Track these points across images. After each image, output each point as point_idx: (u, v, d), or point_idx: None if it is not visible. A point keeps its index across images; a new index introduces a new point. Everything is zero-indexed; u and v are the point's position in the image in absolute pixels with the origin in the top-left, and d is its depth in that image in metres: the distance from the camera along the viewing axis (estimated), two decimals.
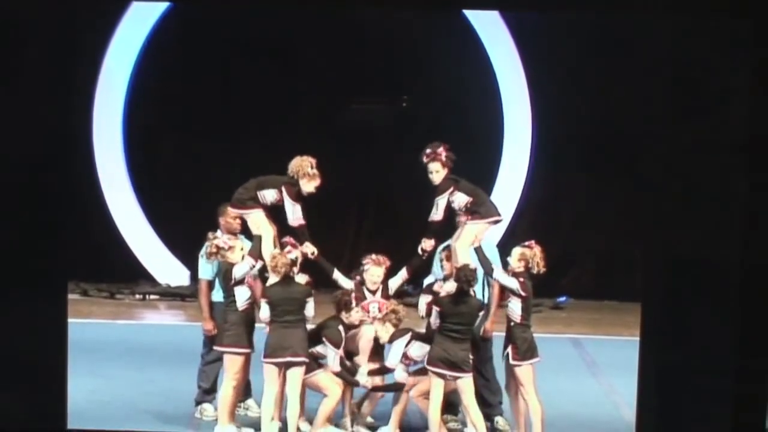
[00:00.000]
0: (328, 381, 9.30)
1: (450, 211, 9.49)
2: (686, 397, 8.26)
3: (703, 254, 8.20)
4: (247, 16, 14.50)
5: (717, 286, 8.16)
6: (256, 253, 9.37)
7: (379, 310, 9.44)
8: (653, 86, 8.43)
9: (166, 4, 14.97)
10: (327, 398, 9.30)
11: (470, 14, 14.81)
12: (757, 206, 8.04)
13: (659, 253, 8.41)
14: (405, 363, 9.32)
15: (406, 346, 9.29)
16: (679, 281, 8.24)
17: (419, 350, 9.30)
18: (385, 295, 9.60)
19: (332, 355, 9.28)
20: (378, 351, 9.58)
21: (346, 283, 9.63)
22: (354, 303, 9.41)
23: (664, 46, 8.18)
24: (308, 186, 9.51)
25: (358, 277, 9.67)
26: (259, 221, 9.50)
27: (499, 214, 9.54)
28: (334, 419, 9.50)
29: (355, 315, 9.41)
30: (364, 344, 9.56)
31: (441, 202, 9.42)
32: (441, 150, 9.43)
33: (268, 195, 9.52)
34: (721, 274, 8.16)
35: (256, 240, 9.44)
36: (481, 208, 9.43)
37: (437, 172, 9.41)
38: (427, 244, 9.55)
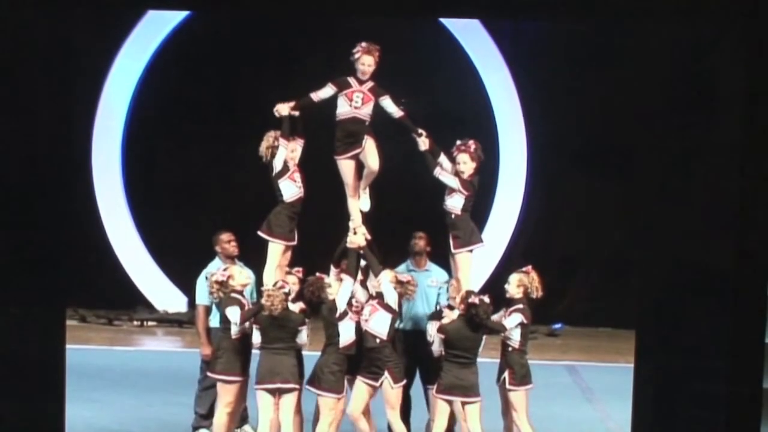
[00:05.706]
0: (327, 404, 9.12)
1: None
2: (681, 424, 8.28)
3: (699, 278, 8.23)
4: (246, 36, 14.54)
5: (712, 313, 8.20)
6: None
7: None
8: (649, 94, 8.45)
9: (165, 32, 15.05)
10: (320, 422, 9.13)
11: (460, 32, 14.84)
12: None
13: (654, 280, 8.45)
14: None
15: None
16: (674, 309, 8.29)
17: (362, 295, 9.22)
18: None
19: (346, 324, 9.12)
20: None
21: None
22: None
23: (660, 49, 8.21)
24: (293, 151, 9.36)
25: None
26: (272, 247, 9.33)
27: (480, 241, 9.43)
28: None
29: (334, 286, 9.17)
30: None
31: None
32: (471, 143, 9.33)
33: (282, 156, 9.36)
34: (717, 301, 8.19)
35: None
36: (461, 233, 9.30)
37: (464, 164, 9.27)
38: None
